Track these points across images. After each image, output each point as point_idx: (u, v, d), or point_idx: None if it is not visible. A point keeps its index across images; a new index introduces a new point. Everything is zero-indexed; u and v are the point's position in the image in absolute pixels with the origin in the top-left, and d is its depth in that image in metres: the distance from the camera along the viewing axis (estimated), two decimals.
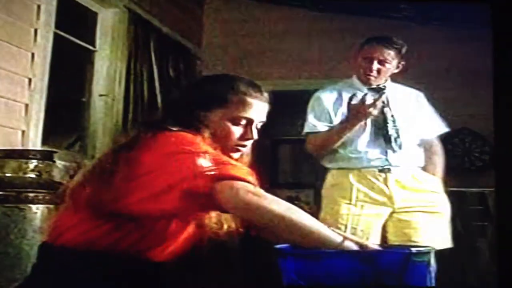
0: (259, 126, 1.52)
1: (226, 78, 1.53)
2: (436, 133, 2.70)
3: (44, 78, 3.18)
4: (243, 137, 1.48)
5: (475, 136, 4.41)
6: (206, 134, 1.43)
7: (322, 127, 2.61)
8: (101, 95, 3.90)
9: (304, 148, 2.75)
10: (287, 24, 4.99)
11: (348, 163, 2.60)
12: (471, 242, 3.88)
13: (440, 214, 2.57)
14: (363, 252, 1.33)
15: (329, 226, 1.35)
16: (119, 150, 1.40)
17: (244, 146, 1.50)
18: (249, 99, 1.47)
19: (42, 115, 3.15)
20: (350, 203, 2.56)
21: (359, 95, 2.53)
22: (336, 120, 2.60)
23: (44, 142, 3.19)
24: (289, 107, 3.83)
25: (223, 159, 1.34)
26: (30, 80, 3.08)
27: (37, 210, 2.40)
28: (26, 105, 3.05)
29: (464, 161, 4.40)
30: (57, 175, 2.74)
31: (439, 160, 2.67)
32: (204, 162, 1.29)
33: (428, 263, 1.35)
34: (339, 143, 2.58)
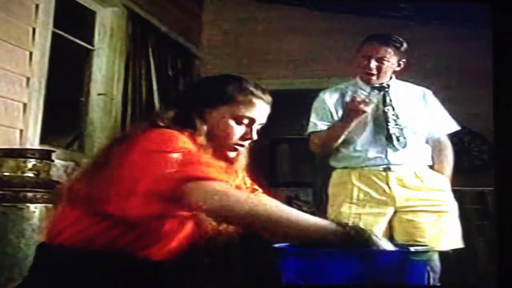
0: (258, 128, 1.54)
1: (234, 77, 1.56)
2: (445, 131, 2.68)
3: (43, 77, 3.17)
4: (243, 136, 1.51)
5: (474, 136, 4.41)
6: (204, 130, 1.45)
7: (323, 126, 2.63)
8: (99, 94, 3.89)
9: (303, 147, 2.76)
10: (286, 23, 4.98)
11: (350, 162, 2.61)
12: (470, 242, 3.88)
13: (446, 213, 2.54)
14: (362, 251, 1.34)
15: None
16: (111, 146, 1.42)
17: (242, 145, 1.52)
18: (254, 100, 1.50)
19: (40, 114, 3.15)
20: (351, 202, 2.57)
21: (355, 93, 2.55)
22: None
23: (43, 141, 3.19)
24: (288, 107, 3.83)
25: (195, 158, 1.33)
26: (28, 79, 3.07)
27: (35, 209, 2.40)
28: (25, 104, 3.05)
29: (463, 160, 4.39)
30: (55, 174, 2.73)
31: (447, 159, 2.65)
32: (174, 162, 1.29)
33: (427, 261, 1.35)
34: (339, 141, 2.58)
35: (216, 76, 1.61)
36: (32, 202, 2.40)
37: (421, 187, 2.55)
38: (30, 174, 2.52)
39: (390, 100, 2.60)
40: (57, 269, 1.36)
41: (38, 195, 2.43)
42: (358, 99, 2.49)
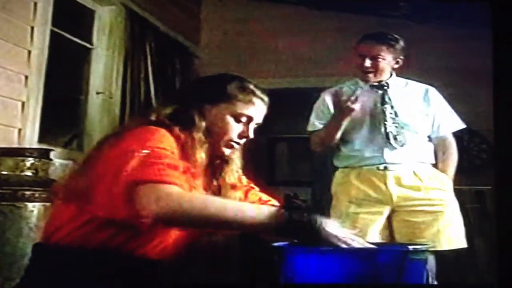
0: (255, 127, 1.57)
1: (235, 77, 1.58)
2: (449, 129, 2.67)
3: (41, 75, 3.17)
4: (241, 134, 1.54)
5: (474, 135, 4.41)
6: (202, 126, 1.46)
7: (321, 125, 2.64)
8: (98, 93, 3.89)
9: (301, 146, 2.77)
10: (285, 22, 4.98)
11: (349, 162, 2.62)
12: (469, 241, 3.88)
13: (445, 213, 2.53)
14: (362, 250, 1.33)
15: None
16: (102, 143, 1.43)
17: (238, 143, 1.55)
18: (254, 99, 1.54)
19: (38, 113, 3.14)
20: (350, 201, 2.57)
21: (342, 92, 2.56)
22: None
23: (41, 140, 3.18)
24: (286, 105, 3.83)
25: (154, 160, 1.30)
26: (26, 77, 3.07)
27: (34, 208, 2.39)
28: (23, 103, 3.04)
29: (462, 160, 4.38)
30: (53, 173, 2.72)
31: (451, 158, 2.64)
32: (134, 163, 1.27)
33: (426, 260, 1.35)
34: (335, 140, 2.60)
35: (217, 75, 1.63)
36: (30, 201, 2.40)
37: (419, 186, 2.54)
38: (29, 173, 2.52)
39: (389, 99, 2.60)
40: (53, 268, 1.35)
41: (37, 194, 2.42)
42: (344, 97, 2.50)
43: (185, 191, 1.30)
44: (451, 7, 4.05)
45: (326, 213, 2.69)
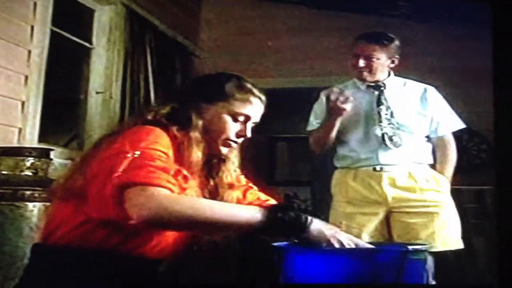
0: (252, 126, 1.57)
1: (233, 75, 1.58)
2: (448, 129, 2.66)
3: (41, 75, 3.17)
4: (238, 133, 1.54)
5: (473, 134, 4.40)
6: (199, 125, 1.46)
7: (317, 124, 2.66)
8: (98, 92, 3.89)
9: (301, 146, 2.78)
10: (285, 21, 4.98)
11: (346, 162, 2.63)
12: (468, 241, 3.88)
13: (440, 214, 2.52)
14: (362, 250, 1.34)
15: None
16: (99, 142, 1.43)
17: (236, 142, 1.55)
18: (251, 98, 1.53)
19: (38, 112, 3.14)
20: (347, 202, 2.58)
21: (333, 92, 2.56)
22: None
23: (41, 139, 3.18)
24: (286, 105, 3.83)
25: (145, 162, 1.29)
26: (26, 77, 3.07)
27: (34, 208, 2.39)
28: (23, 103, 3.04)
29: (461, 159, 4.38)
30: (53, 173, 2.72)
31: (449, 158, 2.63)
32: (123, 165, 1.26)
33: (425, 260, 1.35)
34: (330, 140, 2.61)
35: (215, 74, 1.63)
36: (30, 201, 2.40)
37: (414, 187, 2.54)
38: (28, 173, 2.52)
39: (385, 99, 2.59)
40: (52, 268, 1.35)
41: (36, 194, 2.42)
42: (333, 97, 2.51)
43: (174, 194, 1.28)
44: (451, 6, 4.05)
45: (326, 213, 2.70)
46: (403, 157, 2.54)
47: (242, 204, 1.52)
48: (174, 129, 1.43)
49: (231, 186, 1.58)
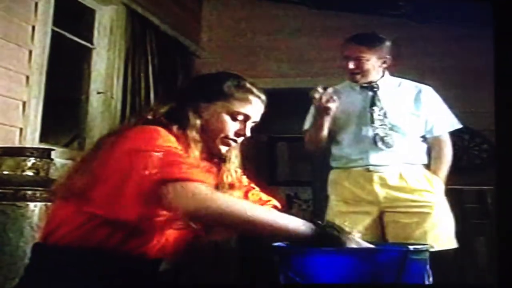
0: (252, 126, 1.57)
1: (232, 75, 1.59)
2: (444, 129, 2.65)
3: (42, 75, 3.17)
4: (237, 132, 1.54)
5: (474, 134, 4.41)
6: (197, 125, 1.46)
7: (309, 124, 2.68)
8: (99, 93, 3.89)
9: (302, 146, 2.80)
10: (285, 21, 4.98)
11: (339, 162, 2.66)
12: (469, 241, 3.88)
13: (431, 215, 2.51)
14: (362, 250, 1.34)
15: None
16: (101, 142, 1.44)
17: (235, 141, 1.55)
18: (251, 97, 1.53)
19: (39, 112, 3.15)
20: (341, 201, 2.59)
21: (317, 92, 2.57)
22: None
23: (42, 139, 3.19)
24: (287, 105, 3.83)
25: (176, 158, 1.32)
26: (27, 77, 3.07)
27: (35, 208, 2.40)
28: (24, 103, 3.05)
29: (462, 159, 4.39)
30: (55, 173, 2.73)
31: (443, 159, 2.62)
32: (155, 163, 1.28)
33: (426, 260, 1.35)
34: (320, 139, 2.62)
35: (215, 73, 1.63)
36: (31, 201, 2.40)
37: (405, 188, 2.54)
38: (30, 173, 2.52)
39: (379, 100, 2.60)
40: (52, 268, 1.35)
41: (38, 194, 2.42)
42: (317, 96, 2.52)
43: (214, 190, 1.31)
44: (451, 6, 4.05)
45: (326, 213, 2.71)
46: (394, 157, 2.55)
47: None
48: (174, 128, 1.43)
49: (231, 186, 1.58)
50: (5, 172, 2.49)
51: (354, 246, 1.31)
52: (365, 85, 2.62)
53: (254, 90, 1.55)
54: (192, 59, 4.92)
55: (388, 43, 2.62)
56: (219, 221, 1.30)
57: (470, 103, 4.22)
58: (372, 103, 2.59)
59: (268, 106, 1.59)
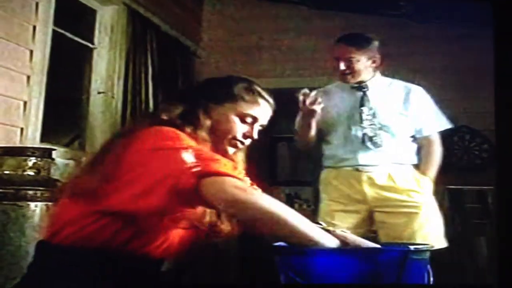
0: (259, 128, 1.59)
1: (243, 79, 1.61)
2: (433, 129, 2.66)
3: (43, 75, 3.17)
4: (245, 134, 1.55)
5: (474, 134, 4.41)
6: (207, 125, 1.48)
7: (297, 125, 2.71)
8: (99, 93, 3.89)
9: None
10: (285, 21, 4.98)
11: (330, 162, 2.67)
12: (470, 240, 3.88)
13: (419, 215, 2.52)
14: (362, 250, 1.34)
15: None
16: (112, 141, 1.45)
17: (242, 143, 1.56)
18: (260, 100, 1.56)
19: (40, 112, 3.15)
20: (330, 199, 2.62)
21: (304, 94, 2.58)
22: None
23: (43, 139, 3.19)
24: (288, 105, 3.83)
25: (206, 154, 1.35)
26: (28, 77, 3.07)
27: (36, 208, 2.40)
28: (25, 103, 3.05)
29: (462, 159, 4.39)
30: (55, 173, 2.73)
31: (432, 159, 2.62)
32: (188, 158, 1.30)
33: (427, 260, 1.35)
34: (307, 139, 2.64)
35: (225, 77, 1.66)
36: (32, 201, 2.40)
37: (393, 187, 2.55)
38: (31, 173, 2.52)
39: (368, 100, 2.60)
40: (56, 267, 1.35)
41: (39, 193, 2.42)
42: (301, 98, 2.53)
43: (248, 185, 1.33)
44: (451, 6, 4.05)
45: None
46: (384, 157, 2.55)
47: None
48: (188, 129, 1.44)
49: None
50: (6, 172, 2.49)
51: (358, 243, 1.32)
52: (355, 85, 2.63)
53: (263, 93, 1.57)
54: (193, 59, 4.92)
55: (376, 43, 2.62)
56: (256, 218, 1.29)
57: (470, 103, 4.23)
58: (362, 103, 2.60)
59: (272, 111, 1.61)
